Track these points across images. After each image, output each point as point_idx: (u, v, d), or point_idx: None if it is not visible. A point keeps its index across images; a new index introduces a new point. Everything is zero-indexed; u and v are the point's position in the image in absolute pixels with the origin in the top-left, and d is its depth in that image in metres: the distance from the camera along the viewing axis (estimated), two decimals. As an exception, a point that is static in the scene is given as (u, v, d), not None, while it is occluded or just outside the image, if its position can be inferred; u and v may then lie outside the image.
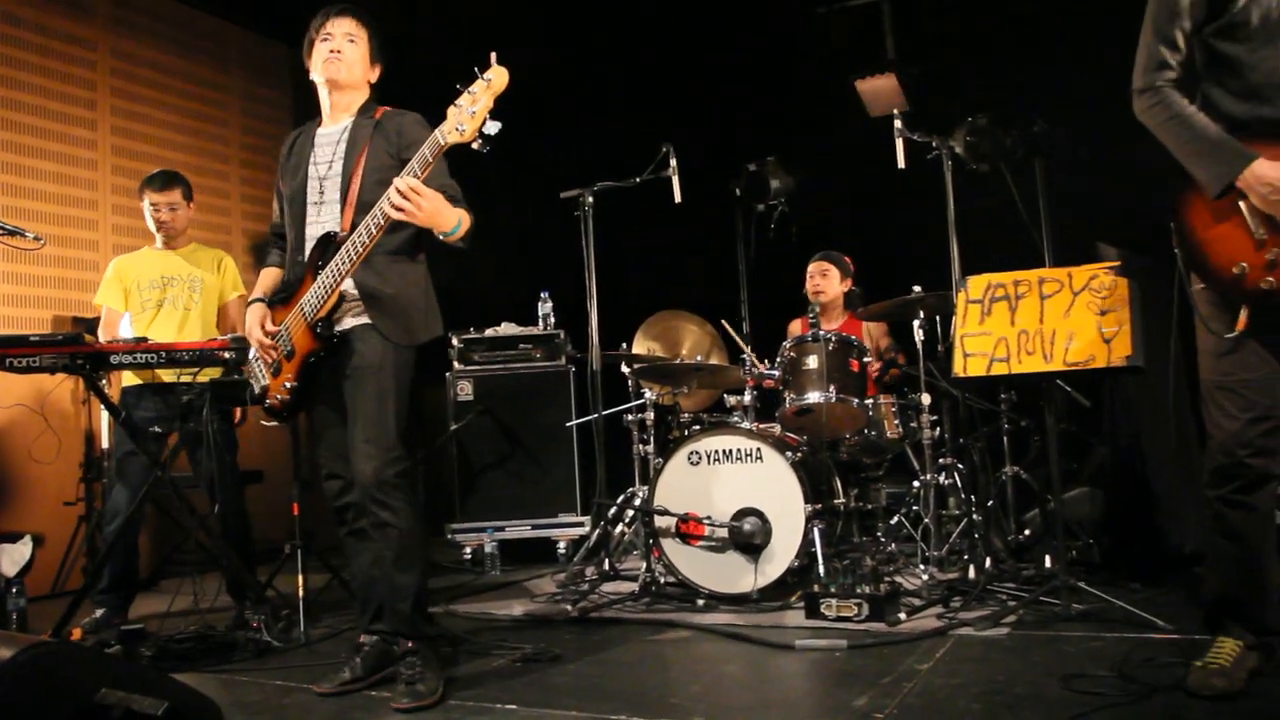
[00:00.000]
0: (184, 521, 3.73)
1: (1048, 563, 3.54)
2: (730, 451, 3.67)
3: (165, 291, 3.96)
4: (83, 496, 4.81)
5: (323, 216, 2.77)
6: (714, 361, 4.59)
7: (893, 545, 4.05)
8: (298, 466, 3.88)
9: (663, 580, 3.79)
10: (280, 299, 2.82)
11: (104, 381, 3.58)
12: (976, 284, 3.15)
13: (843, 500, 3.92)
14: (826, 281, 4.75)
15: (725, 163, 4.53)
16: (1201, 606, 2.46)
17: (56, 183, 5.17)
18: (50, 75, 5.18)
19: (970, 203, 3.84)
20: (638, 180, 4.27)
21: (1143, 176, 2.39)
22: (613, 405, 4.48)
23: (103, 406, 3.76)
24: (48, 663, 1.76)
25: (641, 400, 4.27)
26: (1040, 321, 3.00)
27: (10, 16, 5.00)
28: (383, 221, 2.55)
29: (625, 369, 4.49)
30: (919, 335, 3.88)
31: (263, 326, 2.78)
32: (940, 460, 4.03)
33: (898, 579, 3.46)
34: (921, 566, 3.76)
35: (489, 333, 5.25)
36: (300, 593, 3.51)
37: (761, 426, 3.90)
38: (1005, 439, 3.98)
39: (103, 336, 3.90)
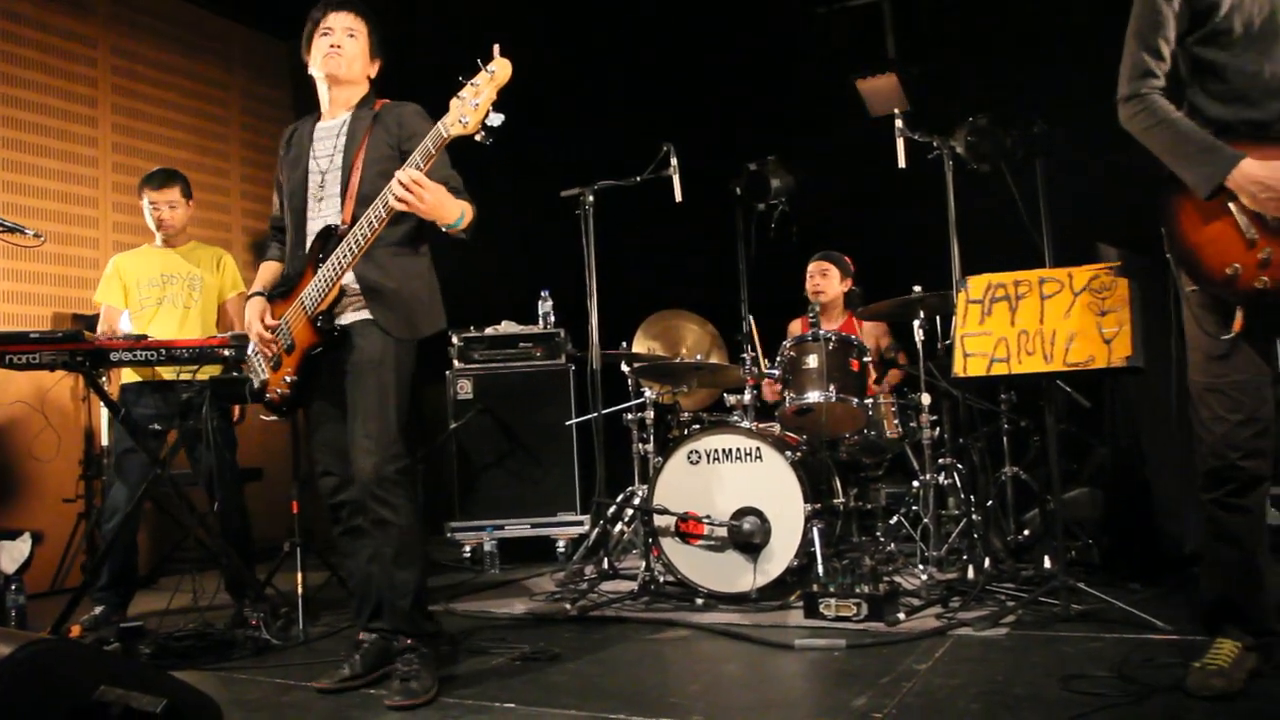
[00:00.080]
0: (183, 519, 3.73)
1: (1047, 563, 3.54)
2: (730, 451, 3.67)
3: (165, 289, 3.96)
4: (82, 494, 4.80)
5: (323, 210, 2.76)
6: (714, 360, 4.60)
7: (892, 545, 4.05)
8: (297, 464, 3.88)
9: (662, 579, 3.79)
10: (280, 293, 2.81)
11: (103, 379, 3.59)
12: (977, 284, 3.15)
13: (842, 500, 3.92)
14: (826, 281, 4.75)
15: (725, 162, 4.53)
16: (1199, 609, 2.46)
17: (57, 180, 5.17)
18: (51, 72, 5.18)
19: (970, 203, 3.84)
20: (638, 179, 4.27)
21: (1143, 177, 2.39)
22: (612, 404, 4.48)
23: (102, 404, 3.76)
24: (46, 660, 1.76)
25: (641, 399, 4.27)
26: (1040, 322, 3.00)
27: (11, 14, 5.00)
28: (384, 214, 2.54)
29: (625, 368, 4.49)
30: (919, 335, 3.88)
31: (262, 320, 2.77)
32: (940, 460, 4.03)
33: (897, 579, 3.46)
34: (921, 566, 3.76)
35: (489, 331, 5.25)
36: (299, 590, 3.51)
37: (761, 426, 3.90)
38: (1005, 439, 3.98)
39: (102, 334, 3.90)
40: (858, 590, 3.18)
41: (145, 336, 3.60)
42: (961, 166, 3.88)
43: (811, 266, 4.80)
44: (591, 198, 4.34)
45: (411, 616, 2.64)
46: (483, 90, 2.38)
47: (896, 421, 4.16)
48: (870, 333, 4.68)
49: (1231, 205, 2.18)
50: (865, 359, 4.07)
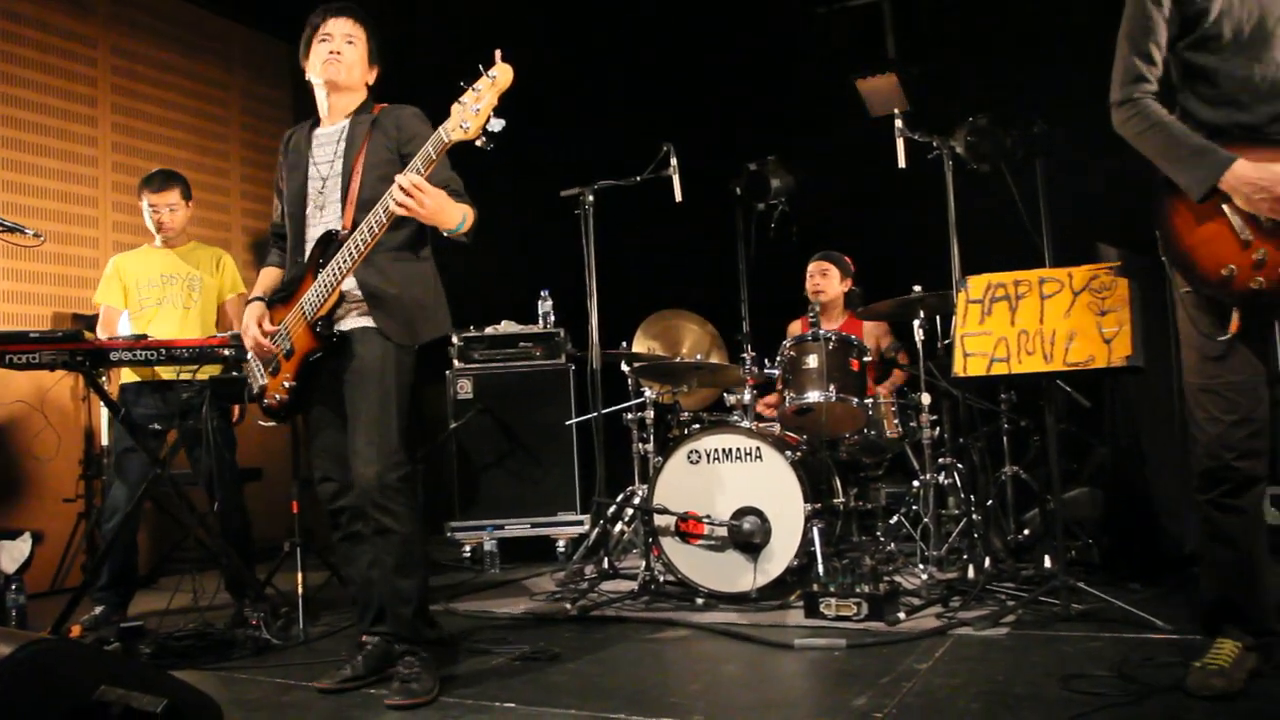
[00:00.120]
0: (183, 519, 3.73)
1: (1047, 563, 3.54)
2: (730, 450, 3.67)
3: (164, 290, 3.96)
4: (82, 493, 4.80)
5: (324, 216, 2.75)
6: (714, 360, 4.60)
7: (892, 545, 4.05)
8: (297, 464, 3.88)
9: (662, 579, 3.79)
10: (280, 298, 2.80)
11: (103, 379, 3.59)
12: (977, 284, 3.15)
13: (842, 500, 3.93)
14: (826, 281, 4.75)
15: (725, 162, 4.54)
16: (1199, 609, 2.47)
17: (57, 180, 5.17)
18: (51, 72, 5.18)
19: (970, 203, 3.84)
20: (638, 179, 4.27)
21: (1143, 177, 2.39)
22: (612, 404, 4.48)
23: (102, 404, 3.76)
24: (47, 660, 1.76)
25: (641, 399, 4.27)
26: (1040, 321, 3.00)
27: (11, 14, 5.00)
28: (385, 219, 2.53)
29: (625, 368, 4.49)
30: (919, 335, 3.88)
31: (259, 325, 2.76)
32: (940, 460, 4.03)
33: (897, 578, 3.46)
34: (921, 566, 3.76)
35: (489, 331, 5.25)
36: (299, 590, 3.51)
37: (761, 425, 3.90)
38: (1005, 439, 3.98)
39: (102, 334, 3.90)
40: (858, 590, 3.18)
41: (145, 336, 3.60)
42: (961, 166, 3.89)
43: (811, 266, 4.80)
44: (591, 198, 4.34)
45: (413, 624, 2.64)
46: (484, 96, 2.37)
47: (896, 421, 4.16)
48: (871, 332, 4.68)
49: (1225, 207, 2.19)
50: (865, 359, 4.07)
